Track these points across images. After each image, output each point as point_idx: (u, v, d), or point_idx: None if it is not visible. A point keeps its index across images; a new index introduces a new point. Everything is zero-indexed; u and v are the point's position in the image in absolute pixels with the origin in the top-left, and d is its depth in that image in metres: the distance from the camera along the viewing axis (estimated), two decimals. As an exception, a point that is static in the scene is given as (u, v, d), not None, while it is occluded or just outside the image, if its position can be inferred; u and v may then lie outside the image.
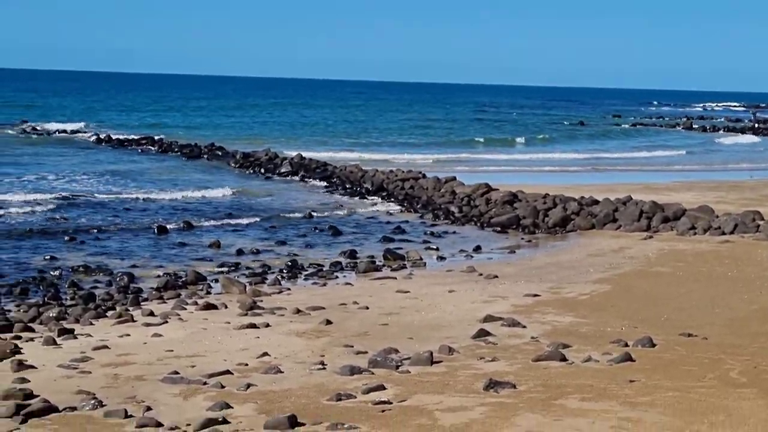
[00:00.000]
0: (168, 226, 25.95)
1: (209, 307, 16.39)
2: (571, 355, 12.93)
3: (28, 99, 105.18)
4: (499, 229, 27.04)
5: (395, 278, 19.63)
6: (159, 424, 9.90)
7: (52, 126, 64.86)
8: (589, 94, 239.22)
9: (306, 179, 39.58)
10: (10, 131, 60.94)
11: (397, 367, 12.27)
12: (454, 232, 26.67)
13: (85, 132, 61.44)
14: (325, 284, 19.14)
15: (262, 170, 42.15)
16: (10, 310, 16.16)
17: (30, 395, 10.82)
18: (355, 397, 10.88)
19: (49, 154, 47.17)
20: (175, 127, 69.60)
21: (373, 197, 34.31)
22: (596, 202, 28.92)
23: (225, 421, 9.98)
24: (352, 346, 13.55)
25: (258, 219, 28.23)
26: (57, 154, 47.79)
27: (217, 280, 19.00)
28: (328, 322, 15.11)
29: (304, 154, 45.41)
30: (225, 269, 20.49)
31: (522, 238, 25.81)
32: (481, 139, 69.03)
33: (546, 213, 28.10)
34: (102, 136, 57.84)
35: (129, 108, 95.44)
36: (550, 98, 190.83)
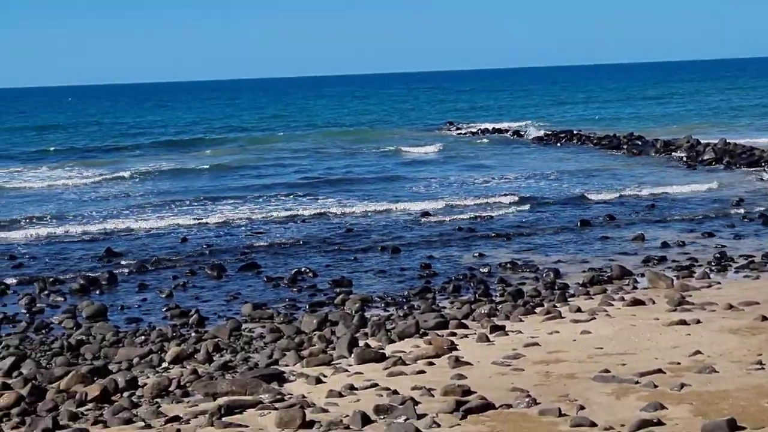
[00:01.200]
0: (589, 220, 26.00)
1: (636, 302, 16.16)
2: None
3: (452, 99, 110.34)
4: None
5: (837, 269, 18.26)
6: (593, 424, 9.91)
7: (477, 126, 66.81)
8: None
9: (731, 166, 37.93)
10: (446, 132, 64.26)
11: None
12: None
13: (506, 131, 62.69)
14: (757, 277, 18.21)
15: (684, 158, 40.94)
16: (444, 307, 16.99)
17: (468, 391, 11.28)
18: (800, 401, 10.25)
19: (492, 155, 47.95)
20: (591, 120, 69.73)
21: (806, 181, 32.21)
22: None
23: (660, 423, 9.79)
24: (793, 345, 12.78)
25: (681, 211, 27.48)
26: (492, 153, 48.73)
27: (643, 275, 18.72)
28: (764, 318, 14.34)
29: (729, 139, 43.52)
30: (650, 263, 20.15)
31: None
32: None
33: None
34: (525, 132, 59.11)
35: (559, 102, 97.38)
36: None
